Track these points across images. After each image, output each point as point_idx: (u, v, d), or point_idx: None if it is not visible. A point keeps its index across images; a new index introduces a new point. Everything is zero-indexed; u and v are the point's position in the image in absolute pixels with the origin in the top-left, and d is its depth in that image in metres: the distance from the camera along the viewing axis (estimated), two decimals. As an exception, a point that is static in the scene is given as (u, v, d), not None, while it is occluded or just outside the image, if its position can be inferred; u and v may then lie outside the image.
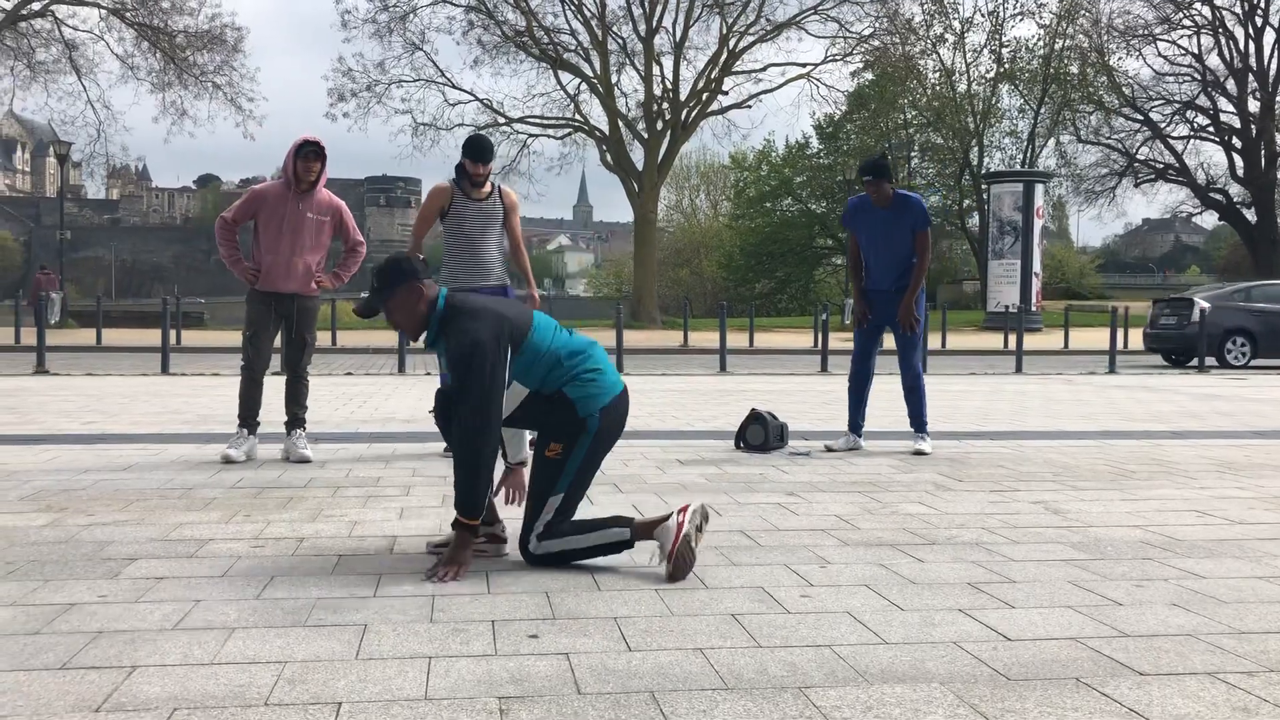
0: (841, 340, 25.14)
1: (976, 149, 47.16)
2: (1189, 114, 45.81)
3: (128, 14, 33.69)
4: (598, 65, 36.56)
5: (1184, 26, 43.74)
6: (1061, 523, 4.30)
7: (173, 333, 16.37)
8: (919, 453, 6.32)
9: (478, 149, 6.00)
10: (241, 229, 6.03)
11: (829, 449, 6.44)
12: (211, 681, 2.38)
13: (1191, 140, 46.78)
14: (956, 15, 45.55)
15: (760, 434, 6.39)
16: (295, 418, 6.00)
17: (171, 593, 3.10)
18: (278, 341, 6.21)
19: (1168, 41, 44.11)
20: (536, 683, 2.39)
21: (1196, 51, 44.22)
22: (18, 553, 3.58)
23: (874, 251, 6.49)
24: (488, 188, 6.14)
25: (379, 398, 9.88)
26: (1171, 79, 45.17)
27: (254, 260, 5.95)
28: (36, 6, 33.00)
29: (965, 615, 2.96)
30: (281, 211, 5.89)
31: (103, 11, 33.63)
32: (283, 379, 6.18)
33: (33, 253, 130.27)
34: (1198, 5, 43.22)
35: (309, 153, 5.85)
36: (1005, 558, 3.67)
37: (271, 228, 5.90)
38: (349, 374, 13.83)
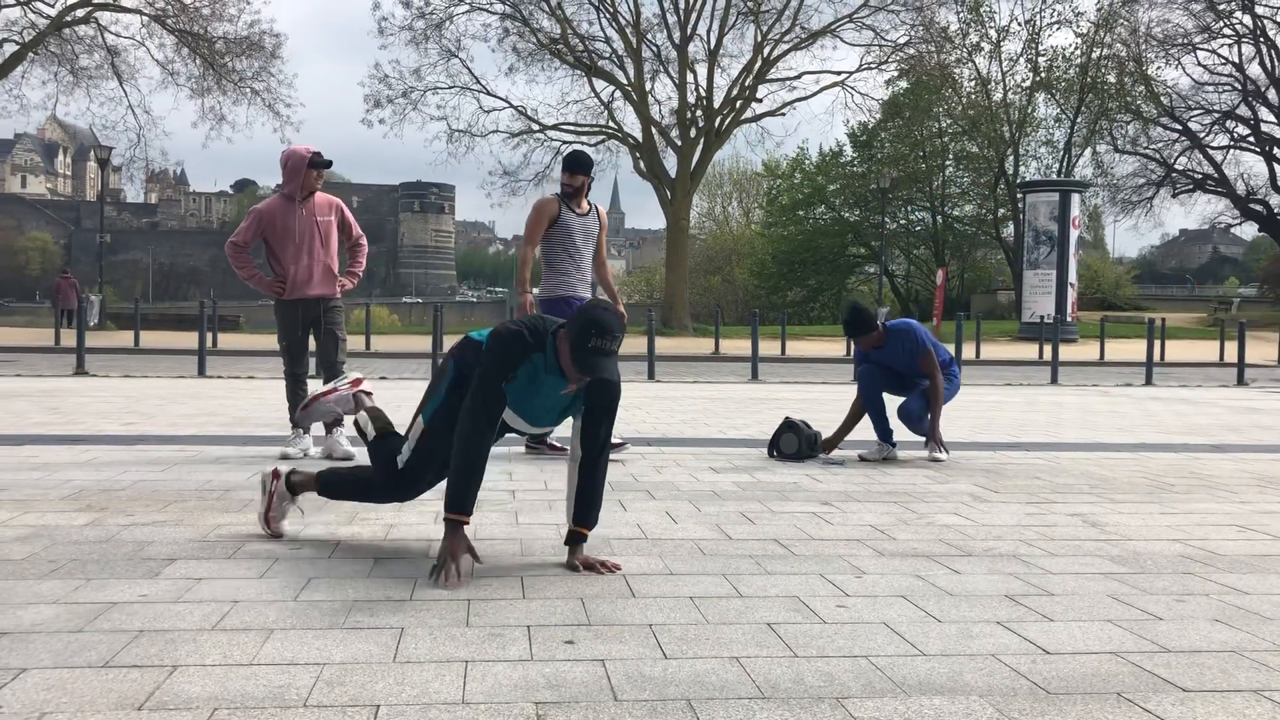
0: (874, 349, 25.01)
1: (1012, 158, 46.87)
2: (1229, 124, 45.34)
3: (169, 21, 34.12)
4: (632, 73, 36.67)
5: (1224, 35, 43.33)
6: (1099, 535, 4.26)
7: (209, 335, 16.54)
8: (934, 459, 6.36)
9: (574, 161, 6.40)
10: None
11: (862, 459, 6.42)
12: (251, 682, 2.40)
13: (1231, 150, 46.32)
14: (993, 24, 45.33)
15: (794, 442, 6.37)
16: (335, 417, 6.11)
17: (210, 593, 3.13)
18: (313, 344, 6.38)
19: (1208, 50, 43.71)
20: (573, 689, 2.40)
21: (1237, 60, 43.78)
22: (60, 551, 3.63)
23: (895, 372, 6.50)
24: (586, 205, 6.46)
25: (413, 403, 9.93)
26: (1211, 88, 44.74)
27: (275, 274, 6.14)
28: (80, 13, 33.51)
29: (1003, 628, 2.94)
30: (291, 224, 6.10)
31: (144, 18, 34.09)
32: (318, 381, 6.30)
33: (73, 255, 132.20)
34: (1239, 14, 42.79)
35: (324, 164, 6.10)
36: (1043, 570, 3.63)
37: (287, 241, 6.11)
38: (383, 378, 13.90)
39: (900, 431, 6.62)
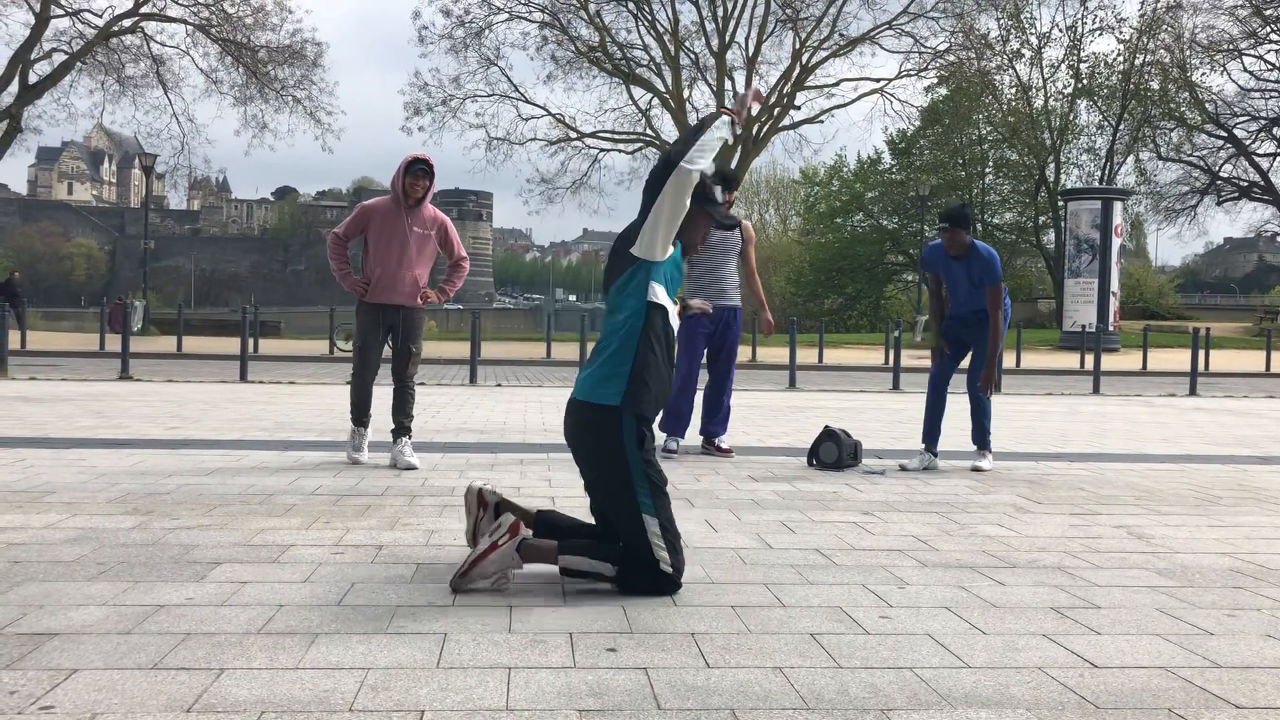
0: (913, 358, 24.86)
1: (1053, 165, 46.40)
2: (1275, 130, 44.60)
3: (213, 30, 34.59)
4: (669, 80, 36.66)
5: (1271, 41, 42.62)
6: (1146, 548, 4.20)
7: (250, 341, 16.71)
8: (976, 469, 6.32)
9: (727, 179, 6.62)
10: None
11: (903, 468, 6.37)
12: (297, 686, 2.42)
13: (1278, 157, 45.54)
14: (1034, 30, 44.91)
15: (833, 452, 6.34)
16: (401, 426, 6.20)
17: (256, 597, 3.16)
18: (386, 351, 6.38)
19: (1254, 56, 43.03)
20: (616, 697, 2.39)
21: (1284, 66, 43.06)
22: (108, 554, 3.68)
23: (953, 294, 6.50)
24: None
25: (451, 408, 9.99)
26: (1258, 94, 44.04)
27: (363, 273, 6.15)
28: (127, 23, 34.04)
29: (1049, 640, 2.90)
30: (391, 226, 6.10)
31: (189, 28, 34.59)
32: (390, 389, 6.38)
33: (117, 261, 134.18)
34: (1286, 19, 42.10)
35: (419, 170, 6.04)
36: (1089, 583, 3.59)
37: (382, 242, 6.12)
38: (421, 384, 13.98)
39: (946, 442, 6.56)
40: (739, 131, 3.54)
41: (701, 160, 3.34)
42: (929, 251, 6.59)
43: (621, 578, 3.29)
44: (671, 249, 3.47)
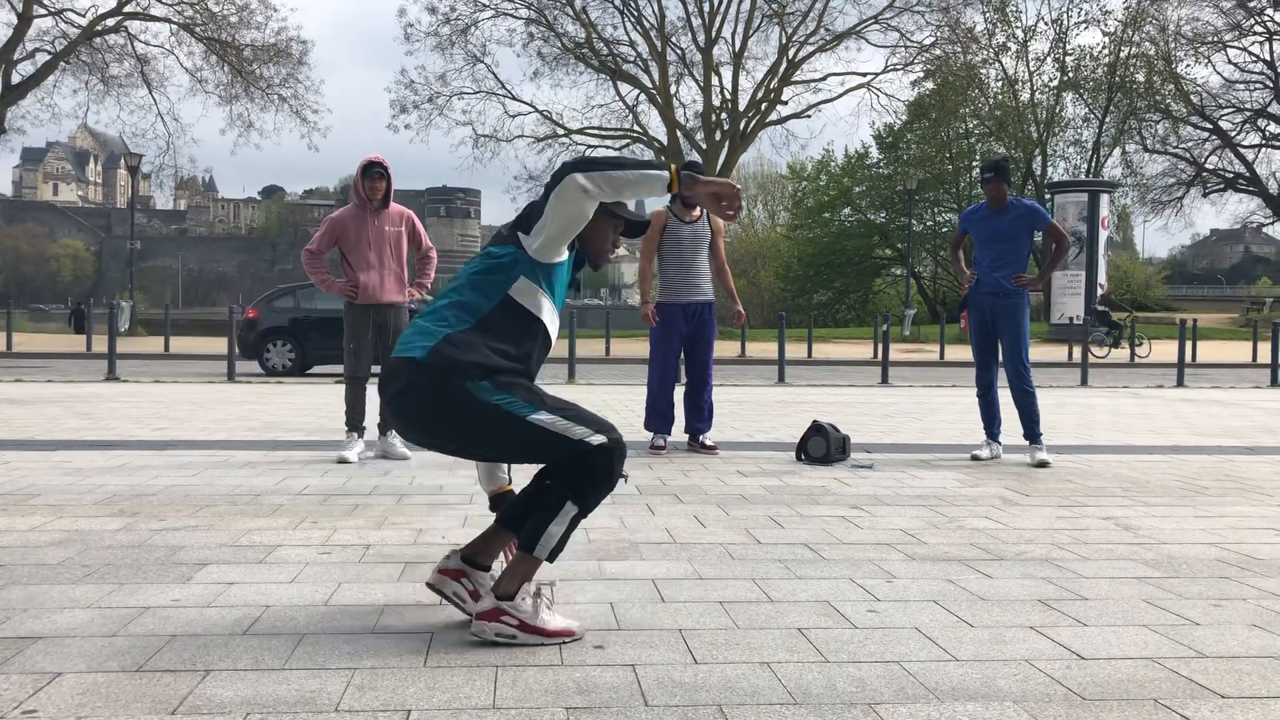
0: (901, 352, 24.93)
1: (1040, 158, 46.50)
2: (1260, 122, 44.84)
3: (197, 29, 34.48)
4: (656, 76, 36.70)
5: (1255, 33, 42.88)
6: (1133, 539, 4.21)
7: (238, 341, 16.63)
8: (1041, 464, 6.35)
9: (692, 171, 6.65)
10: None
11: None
12: (283, 686, 2.41)
13: (1263, 149, 45.81)
14: (1019, 24, 45.00)
15: (822, 446, 6.34)
16: (387, 421, 6.30)
17: (242, 597, 3.15)
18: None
19: (1238, 48, 43.27)
20: (603, 694, 2.39)
21: (1268, 58, 43.30)
22: (93, 556, 3.66)
23: (989, 254, 6.64)
24: (698, 211, 6.83)
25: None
26: (1242, 86, 44.31)
27: (348, 278, 6.23)
28: (110, 23, 33.89)
29: (1036, 633, 2.91)
30: (362, 232, 6.31)
31: (173, 27, 34.48)
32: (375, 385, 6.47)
33: (104, 261, 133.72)
34: (1270, 10, 42.32)
35: (375, 173, 6.26)
36: (1076, 574, 3.60)
37: (359, 248, 6.32)
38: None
39: (938, 435, 6.58)
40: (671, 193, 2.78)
41: (605, 189, 2.77)
42: (967, 212, 6.83)
43: (579, 497, 2.76)
44: (566, 254, 2.91)
